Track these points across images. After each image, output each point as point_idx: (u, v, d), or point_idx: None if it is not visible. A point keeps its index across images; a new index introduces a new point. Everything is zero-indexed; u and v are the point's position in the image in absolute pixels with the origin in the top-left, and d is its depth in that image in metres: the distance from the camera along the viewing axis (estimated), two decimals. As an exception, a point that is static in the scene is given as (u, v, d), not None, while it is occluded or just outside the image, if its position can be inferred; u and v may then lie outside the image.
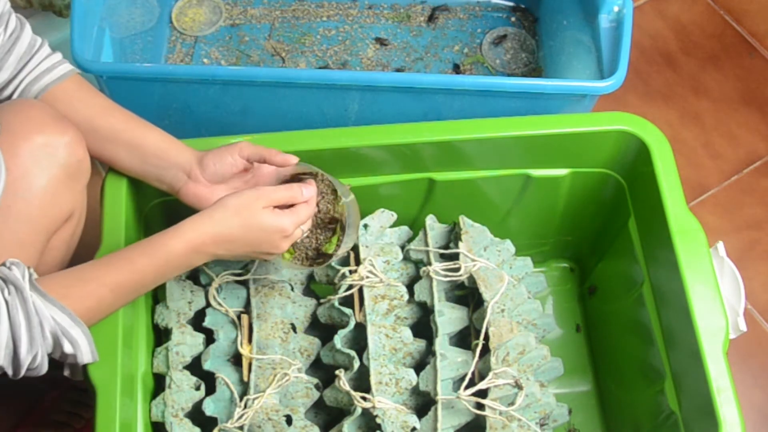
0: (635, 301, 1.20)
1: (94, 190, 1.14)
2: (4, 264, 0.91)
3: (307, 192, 1.04)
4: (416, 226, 1.26)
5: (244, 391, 1.10)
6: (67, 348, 0.92)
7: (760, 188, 1.57)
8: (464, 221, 1.21)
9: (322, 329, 1.20)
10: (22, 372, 0.91)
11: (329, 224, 1.09)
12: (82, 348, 0.93)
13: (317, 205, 1.07)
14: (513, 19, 1.69)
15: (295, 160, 1.06)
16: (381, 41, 1.62)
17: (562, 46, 1.54)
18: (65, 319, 0.91)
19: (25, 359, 0.89)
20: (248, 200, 0.99)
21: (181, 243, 0.97)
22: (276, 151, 1.06)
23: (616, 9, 1.32)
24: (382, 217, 1.22)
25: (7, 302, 0.88)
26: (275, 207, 1.01)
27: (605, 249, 1.33)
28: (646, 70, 1.68)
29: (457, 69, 1.62)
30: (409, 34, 1.66)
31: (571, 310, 1.41)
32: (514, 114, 1.23)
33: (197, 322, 1.16)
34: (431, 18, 1.67)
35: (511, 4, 1.69)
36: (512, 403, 1.10)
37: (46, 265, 1.08)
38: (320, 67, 1.62)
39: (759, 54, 1.69)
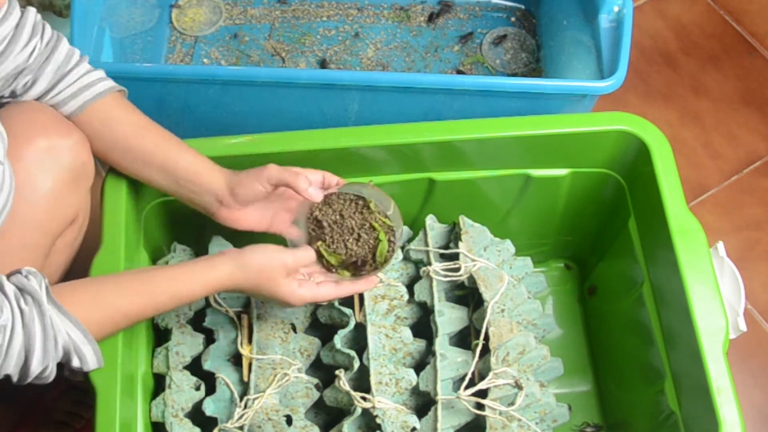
0: (635, 301, 1.20)
1: (95, 190, 1.14)
2: (20, 272, 0.91)
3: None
4: (416, 226, 1.26)
5: (244, 391, 1.10)
6: (75, 363, 0.93)
7: (760, 188, 1.57)
8: (464, 221, 1.21)
9: (322, 329, 1.20)
10: (28, 380, 0.91)
11: (368, 233, 1.09)
12: (90, 362, 0.94)
13: (354, 216, 1.09)
14: (513, 19, 1.69)
15: (319, 197, 1.07)
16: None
17: (562, 46, 1.54)
18: (79, 336, 0.91)
19: (35, 370, 0.89)
20: (272, 264, 1.01)
21: (202, 288, 0.99)
22: (304, 178, 1.06)
23: (616, 9, 1.32)
24: (382, 217, 1.22)
25: (23, 312, 0.87)
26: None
27: (605, 249, 1.33)
28: (646, 70, 1.68)
29: (458, 71, 1.62)
30: (409, 34, 1.67)
31: (571, 310, 1.41)
32: (514, 114, 1.23)
33: (197, 322, 1.16)
34: (431, 18, 1.67)
35: (511, 4, 1.70)
36: (512, 403, 1.10)
37: (50, 267, 1.08)
38: (321, 61, 1.62)
39: (759, 54, 1.69)
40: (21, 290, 0.89)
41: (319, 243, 1.08)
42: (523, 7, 1.69)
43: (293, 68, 1.60)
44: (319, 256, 1.08)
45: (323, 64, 1.62)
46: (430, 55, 1.64)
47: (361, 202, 1.10)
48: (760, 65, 1.69)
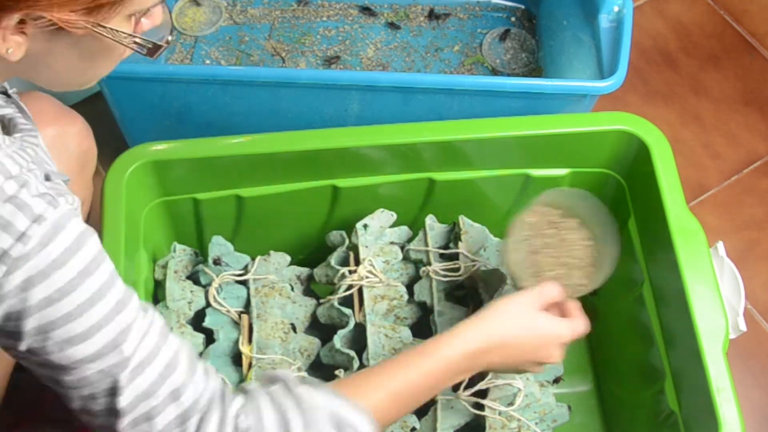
0: (635, 301, 1.20)
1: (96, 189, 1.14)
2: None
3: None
4: (416, 226, 1.26)
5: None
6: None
7: (760, 188, 1.57)
8: (464, 221, 1.21)
9: (321, 329, 1.20)
10: None
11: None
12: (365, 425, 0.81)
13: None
14: (513, 19, 1.69)
15: None
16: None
17: (562, 46, 1.54)
18: (342, 404, 0.81)
19: None
20: (524, 300, 0.94)
21: (457, 349, 0.89)
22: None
23: (616, 9, 1.32)
24: (382, 217, 1.22)
25: (270, 393, 0.80)
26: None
27: (605, 249, 1.33)
28: (646, 70, 1.68)
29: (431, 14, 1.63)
30: (409, 34, 1.67)
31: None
32: (514, 114, 1.23)
33: (197, 322, 1.16)
34: (431, 15, 1.67)
35: (511, 4, 1.70)
36: (511, 403, 1.10)
37: None
38: (325, 59, 1.62)
39: (759, 54, 1.69)
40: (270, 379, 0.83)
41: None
42: (523, 7, 1.69)
43: (293, 68, 1.60)
44: None
45: (330, 61, 1.62)
46: (430, 55, 1.64)
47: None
48: (760, 65, 1.69)
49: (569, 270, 1.04)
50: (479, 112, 1.26)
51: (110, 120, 1.42)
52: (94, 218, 1.13)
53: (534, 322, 0.93)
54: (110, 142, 1.29)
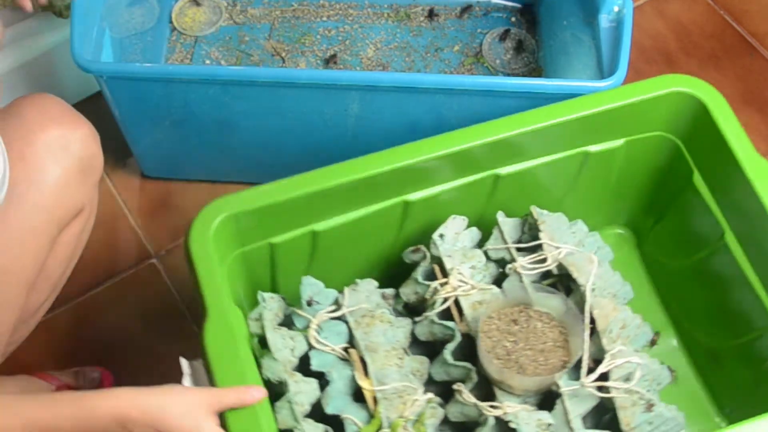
0: (714, 253, 1.23)
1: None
2: None
3: (258, 394, 0.97)
4: (482, 225, 1.26)
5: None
6: None
7: None
8: (537, 211, 1.22)
9: (420, 347, 1.20)
10: None
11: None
12: None
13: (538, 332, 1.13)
14: (513, 19, 1.67)
15: None
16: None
17: (562, 46, 1.54)
18: None
19: None
20: (203, 397, 0.92)
21: (107, 404, 0.87)
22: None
23: (616, 9, 1.33)
24: (455, 223, 1.22)
25: None
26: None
27: (662, 210, 1.35)
28: (646, 70, 1.69)
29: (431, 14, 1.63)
30: (409, 34, 1.65)
31: (635, 274, 1.43)
32: (515, 110, 1.22)
33: (303, 367, 1.14)
34: (431, 15, 1.65)
35: (511, 4, 1.68)
36: (628, 379, 1.13)
37: (55, 260, 1.09)
38: (325, 59, 1.60)
39: (759, 54, 1.72)
40: None
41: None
42: (522, 6, 1.68)
43: (293, 68, 1.58)
44: None
45: (329, 61, 1.59)
46: (430, 55, 1.63)
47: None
48: (760, 65, 1.72)
49: (548, 354, 1.12)
50: (479, 112, 1.26)
51: (110, 120, 1.41)
52: (97, 223, 1.14)
53: (197, 424, 0.90)
54: (110, 143, 1.26)
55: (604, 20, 1.33)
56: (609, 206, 1.39)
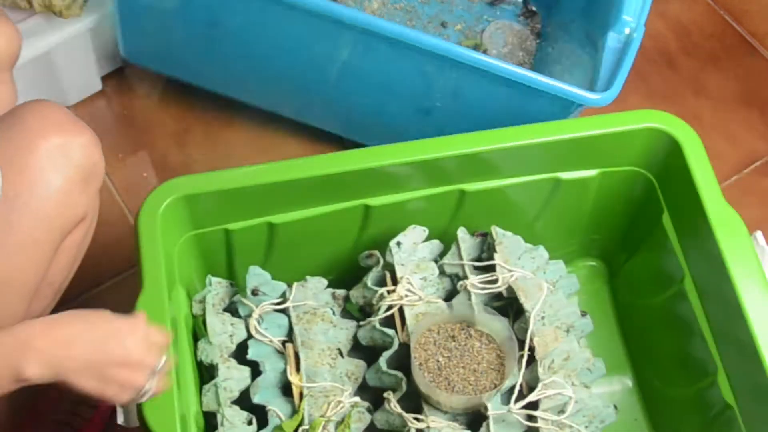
0: (675, 296, 1.21)
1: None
2: None
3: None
4: (446, 239, 1.25)
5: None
6: None
7: (760, 188, 1.58)
8: (497, 231, 1.20)
9: (363, 351, 1.19)
10: None
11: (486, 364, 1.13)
12: None
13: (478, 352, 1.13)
14: (521, 17, 1.68)
15: None
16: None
17: (559, 55, 1.53)
18: None
19: None
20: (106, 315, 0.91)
21: (7, 332, 0.84)
22: None
23: (627, 31, 1.30)
24: (414, 233, 1.21)
25: None
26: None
27: (635, 246, 1.33)
28: (646, 70, 1.67)
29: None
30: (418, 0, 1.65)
31: (602, 309, 1.41)
32: (500, 101, 1.24)
33: (239, 354, 1.14)
34: None
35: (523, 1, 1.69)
36: (562, 411, 1.10)
37: (59, 266, 1.08)
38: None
39: (759, 54, 1.69)
40: None
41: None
42: (533, 8, 1.68)
43: None
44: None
45: None
46: (432, 26, 1.62)
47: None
48: (760, 65, 1.70)
49: (480, 375, 1.11)
50: (464, 92, 1.24)
51: (109, 120, 1.44)
52: (97, 222, 1.14)
53: (107, 317, 0.89)
54: (109, 142, 1.28)
55: (612, 39, 1.30)
56: (583, 237, 1.37)
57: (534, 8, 1.68)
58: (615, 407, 1.17)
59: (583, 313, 1.21)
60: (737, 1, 1.76)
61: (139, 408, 0.98)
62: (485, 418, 1.10)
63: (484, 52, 1.59)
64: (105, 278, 1.48)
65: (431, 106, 1.37)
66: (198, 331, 1.17)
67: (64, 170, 1.01)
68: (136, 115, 1.59)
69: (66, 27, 1.37)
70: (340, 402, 1.09)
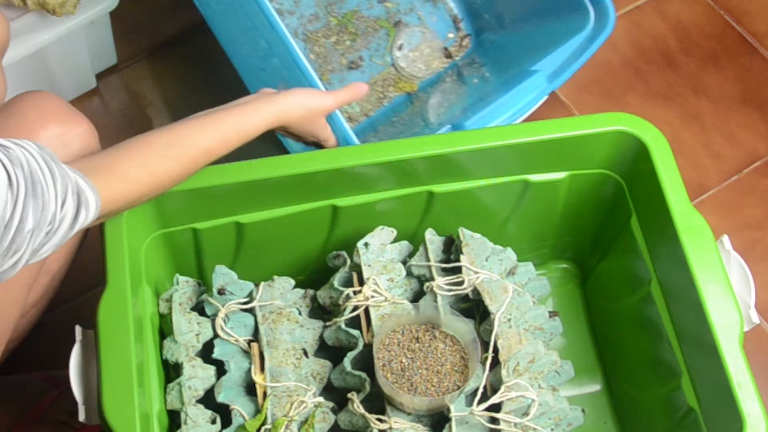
0: (643, 299, 1.21)
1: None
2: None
3: (363, 87, 1.18)
4: (415, 240, 1.26)
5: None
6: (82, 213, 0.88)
7: (760, 188, 1.57)
8: (464, 233, 1.20)
9: (330, 351, 1.20)
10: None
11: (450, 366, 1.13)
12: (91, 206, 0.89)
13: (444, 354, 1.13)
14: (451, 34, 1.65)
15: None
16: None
17: None
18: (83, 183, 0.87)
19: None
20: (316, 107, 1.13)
21: (264, 121, 1.07)
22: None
23: None
24: (383, 234, 1.21)
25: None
26: None
27: (606, 248, 1.33)
28: (646, 70, 1.67)
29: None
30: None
31: (574, 311, 1.41)
32: None
33: (206, 353, 1.14)
34: None
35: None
36: (526, 414, 1.10)
37: (55, 254, 1.07)
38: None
39: (759, 54, 1.69)
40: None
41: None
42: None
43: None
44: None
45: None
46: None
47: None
48: (760, 65, 1.69)
49: (443, 377, 1.11)
50: None
51: (104, 117, 1.44)
52: (97, 230, 1.13)
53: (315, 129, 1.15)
54: (107, 140, 1.27)
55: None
56: (555, 239, 1.37)
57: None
58: (583, 410, 1.17)
59: (553, 315, 1.21)
60: (737, 1, 1.75)
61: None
62: (448, 419, 1.10)
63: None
64: (105, 278, 1.47)
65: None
66: (165, 330, 1.17)
67: (63, 159, 1.00)
68: (130, 113, 1.60)
69: (59, 25, 1.38)
70: (303, 402, 1.09)
